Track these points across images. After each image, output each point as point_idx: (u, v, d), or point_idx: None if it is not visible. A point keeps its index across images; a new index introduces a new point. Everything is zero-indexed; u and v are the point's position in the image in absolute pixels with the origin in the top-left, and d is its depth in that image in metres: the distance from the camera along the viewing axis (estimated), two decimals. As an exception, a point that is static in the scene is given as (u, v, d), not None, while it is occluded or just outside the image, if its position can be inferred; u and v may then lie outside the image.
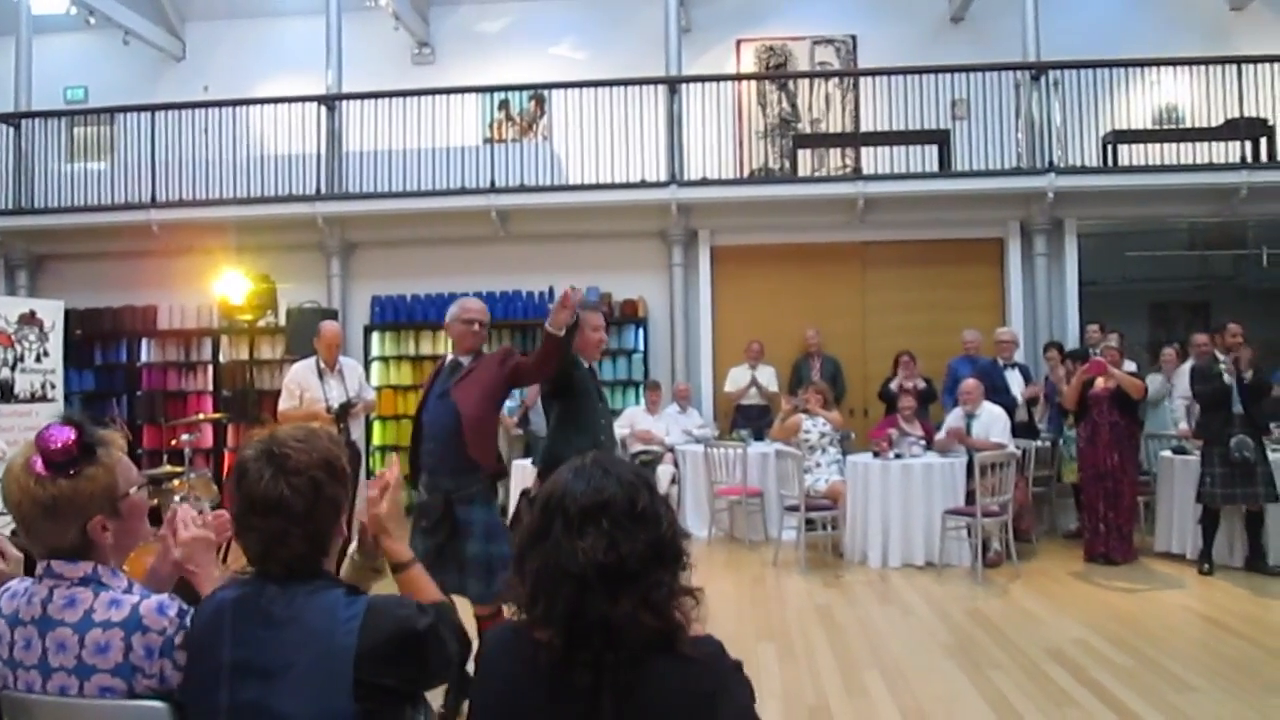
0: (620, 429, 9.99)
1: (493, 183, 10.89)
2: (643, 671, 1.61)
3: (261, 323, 11.17)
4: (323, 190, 11.11)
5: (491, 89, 12.06)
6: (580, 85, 11.02)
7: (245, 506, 1.84)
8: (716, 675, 1.66)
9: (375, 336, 11.40)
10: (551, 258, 11.19)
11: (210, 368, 11.59)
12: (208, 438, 11.11)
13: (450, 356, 4.84)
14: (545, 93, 12.20)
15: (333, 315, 10.14)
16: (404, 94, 11.08)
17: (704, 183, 10.98)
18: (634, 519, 1.64)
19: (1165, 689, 4.88)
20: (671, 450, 9.69)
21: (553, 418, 5.15)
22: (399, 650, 1.77)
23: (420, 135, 10.91)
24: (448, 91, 11.25)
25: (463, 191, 10.91)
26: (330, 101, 11.25)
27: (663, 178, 10.81)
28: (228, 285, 10.26)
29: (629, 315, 11.10)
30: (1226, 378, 7.40)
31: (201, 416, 9.96)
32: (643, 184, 10.80)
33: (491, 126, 12.60)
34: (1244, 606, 6.62)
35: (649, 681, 1.61)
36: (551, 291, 11.23)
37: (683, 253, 11.09)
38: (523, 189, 10.93)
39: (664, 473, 9.49)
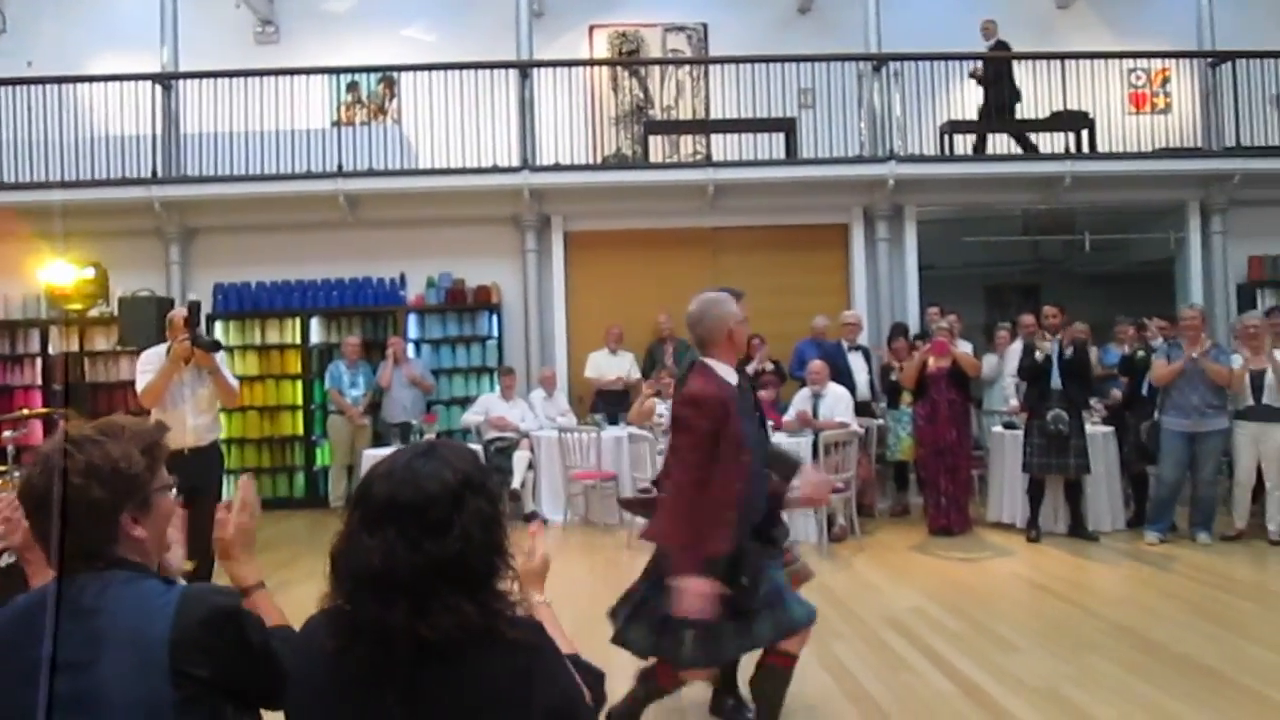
0: (475, 416, 9.94)
1: (340, 167, 10.63)
2: (443, 667, 1.61)
3: (93, 313, 10.62)
4: (159, 173, 10.64)
5: (339, 70, 11.74)
6: (431, 68, 10.85)
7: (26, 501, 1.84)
8: (533, 654, 1.67)
9: (219, 326, 10.98)
10: (402, 244, 11.02)
11: (39, 361, 10.97)
12: (36, 434, 10.46)
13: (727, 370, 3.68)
14: (395, 75, 11.96)
15: (169, 304, 9.72)
16: (246, 74, 10.71)
17: (556, 168, 10.96)
18: (423, 529, 1.60)
19: (992, 650, 5.17)
20: (527, 436, 9.68)
21: None
22: (213, 632, 1.74)
23: (264, 117, 10.56)
24: (293, 72, 10.90)
25: (309, 176, 10.62)
26: (166, 80, 10.77)
27: (515, 163, 10.75)
28: (55, 273, 9.72)
29: (482, 302, 11.01)
30: (1038, 355, 7.87)
31: (27, 412, 9.42)
32: (495, 169, 10.72)
33: (339, 109, 12.28)
34: (1066, 571, 7.05)
35: (448, 675, 1.61)
36: (403, 278, 11.06)
37: (536, 238, 11.06)
38: (371, 173, 10.70)
39: (520, 459, 9.47)
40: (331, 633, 1.65)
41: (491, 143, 10.66)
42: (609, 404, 10.22)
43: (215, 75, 10.67)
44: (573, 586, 6.94)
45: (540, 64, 11.19)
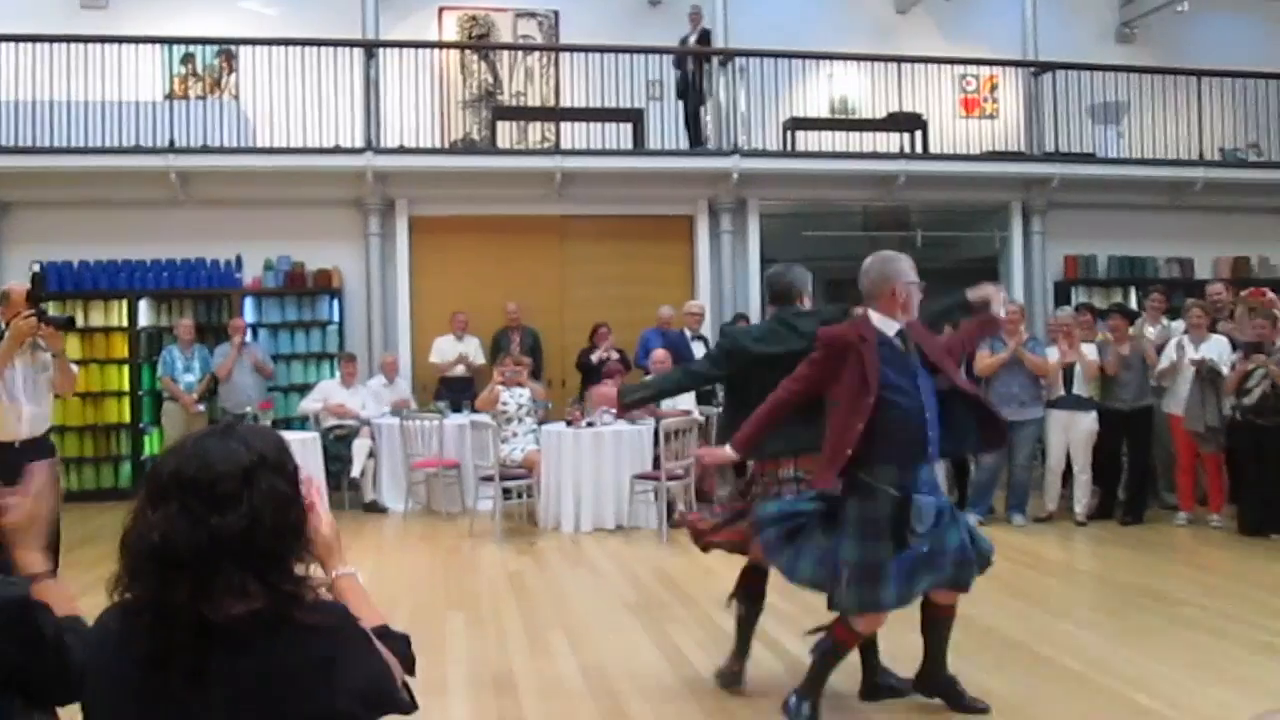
0: (313, 403, 9.70)
1: (172, 142, 10.18)
2: (233, 651, 1.56)
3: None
4: (-31, 142, 9.98)
5: (171, 41, 11.19)
6: (272, 43, 10.50)
7: None
8: (335, 639, 1.63)
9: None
10: (239, 224, 10.63)
11: None
12: None
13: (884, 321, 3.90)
14: (234, 49, 11.49)
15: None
16: (69, 40, 10.10)
17: (402, 151, 10.77)
18: (207, 504, 1.55)
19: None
20: (368, 424, 9.50)
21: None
22: (1, 625, 1.67)
23: (90, 87, 10.00)
24: (121, 40, 10.35)
25: (138, 150, 10.13)
26: (-24, 44, 10.09)
27: (359, 144, 10.51)
28: None
29: (323, 286, 10.75)
30: None
31: None
32: (338, 150, 10.47)
33: (173, 81, 11.71)
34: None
35: (239, 661, 1.57)
36: (240, 260, 10.68)
37: (380, 222, 10.85)
38: (206, 150, 10.29)
39: (360, 447, 9.30)
40: (119, 617, 1.60)
41: (335, 122, 10.40)
42: (453, 391, 10.14)
43: (34, 40, 10.04)
44: (414, 576, 6.90)
45: (387, 44, 10.94)
